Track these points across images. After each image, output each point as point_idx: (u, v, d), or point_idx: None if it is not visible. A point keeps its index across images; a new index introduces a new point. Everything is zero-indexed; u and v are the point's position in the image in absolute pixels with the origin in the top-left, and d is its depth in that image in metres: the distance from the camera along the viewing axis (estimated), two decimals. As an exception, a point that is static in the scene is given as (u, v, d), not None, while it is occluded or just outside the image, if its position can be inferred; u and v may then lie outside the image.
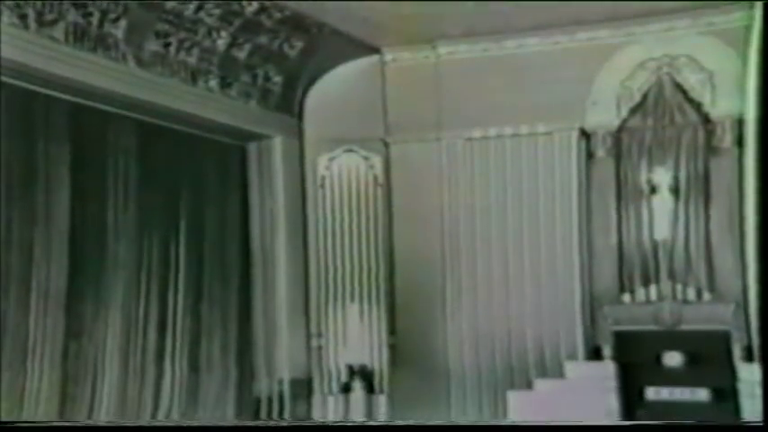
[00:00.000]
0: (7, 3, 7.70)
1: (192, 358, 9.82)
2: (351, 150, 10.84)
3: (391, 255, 10.66)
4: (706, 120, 9.74)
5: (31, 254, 8.32)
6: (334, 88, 10.86)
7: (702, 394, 9.32)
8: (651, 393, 9.48)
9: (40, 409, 8.24)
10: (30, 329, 8.27)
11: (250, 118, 10.37)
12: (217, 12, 9.43)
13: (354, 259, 10.74)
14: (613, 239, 9.99)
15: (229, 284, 10.37)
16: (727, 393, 9.21)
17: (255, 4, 9.52)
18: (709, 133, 9.72)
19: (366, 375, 10.49)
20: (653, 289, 9.78)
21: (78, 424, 8.02)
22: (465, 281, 10.36)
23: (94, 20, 8.43)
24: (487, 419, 10.02)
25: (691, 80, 9.75)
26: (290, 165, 10.79)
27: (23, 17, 7.85)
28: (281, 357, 10.53)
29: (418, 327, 10.44)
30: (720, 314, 9.48)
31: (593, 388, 9.42)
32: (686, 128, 9.82)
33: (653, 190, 9.83)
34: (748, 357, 9.13)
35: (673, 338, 9.63)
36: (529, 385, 9.84)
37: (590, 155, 10.14)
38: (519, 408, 9.59)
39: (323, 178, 10.85)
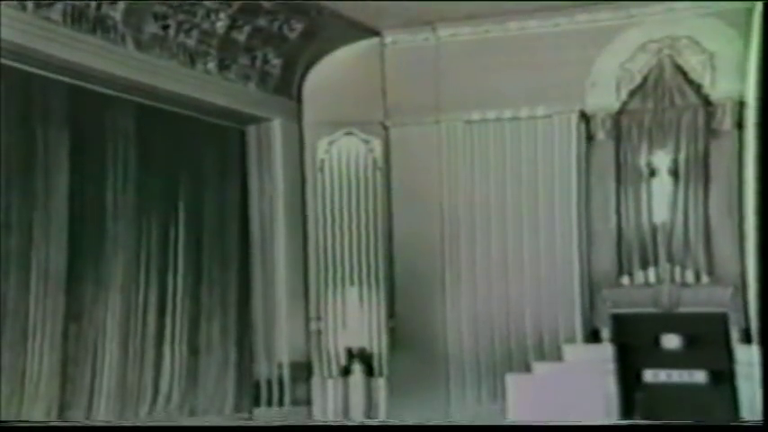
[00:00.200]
0: (4, -16, 7.67)
1: (191, 341, 9.85)
2: (350, 133, 10.82)
3: (390, 238, 10.67)
4: (706, 102, 9.71)
5: (30, 236, 8.35)
6: (333, 71, 10.83)
7: (700, 376, 9.34)
8: (649, 376, 9.51)
9: (41, 389, 8.28)
10: (30, 311, 8.30)
11: (249, 101, 10.35)
12: (216, -7, 9.41)
13: (354, 242, 10.74)
14: (612, 222, 9.98)
15: (229, 267, 10.39)
16: (724, 375, 9.23)
17: (254, -14, 9.50)
18: (709, 115, 9.69)
19: (365, 358, 10.52)
20: (651, 272, 9.79)
21: (78, 424, 8.05)
22: (464, 263, 10.37)
23: (92, 1, 8.40)
24: (486, 402, 10.05)
25: (691, 62, 9.72)
26: (289, 148, 10.78)
27: (21, -2, 7.83)
28: (281, 341, 10.55)
29: (417, 310, 10.46)
30: (718, 297, 9.49)
31: (591, 371, 9.44)
32: (686, 110, 9.79)
33: (652, 173, 9.82)
34: (746, 339, 9.14)
35: (671, 321, 9.64)
36: (527, 368, 9.86)
37: (589, 138, 10.12)
38: (517, 391, 9.62)
39: (322, 161, 10.84)
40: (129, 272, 9.22)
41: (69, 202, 8.65)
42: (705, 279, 9.64)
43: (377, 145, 10.78)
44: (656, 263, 9.77)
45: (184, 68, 9.49)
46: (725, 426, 7.57)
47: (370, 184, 10.77)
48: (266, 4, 9.86)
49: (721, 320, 9.43)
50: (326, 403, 10.44)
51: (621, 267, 9.92)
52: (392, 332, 10.57)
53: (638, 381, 9.50)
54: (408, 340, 10.44)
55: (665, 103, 9.86)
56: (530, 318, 10.08)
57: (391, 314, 10.62)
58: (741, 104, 9.42)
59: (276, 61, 10.55)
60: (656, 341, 9.64)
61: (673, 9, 9.75)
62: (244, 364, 10.41)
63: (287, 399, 10.45)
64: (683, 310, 9.65)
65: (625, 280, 9.93)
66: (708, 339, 9.45)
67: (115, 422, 8.38)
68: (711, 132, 9.69)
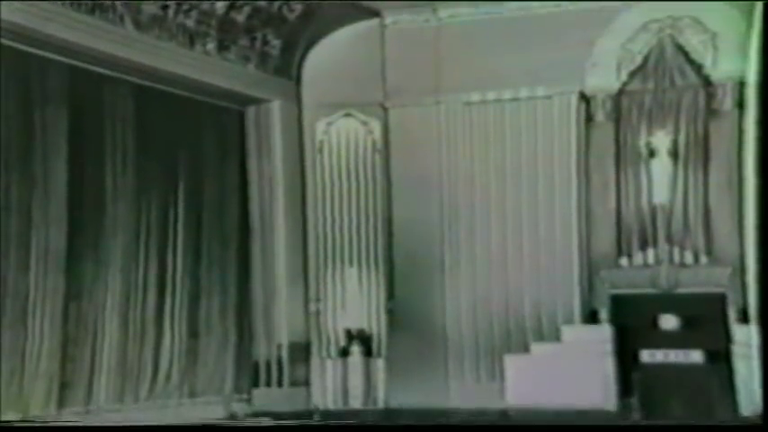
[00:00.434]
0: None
1: (191, 321, 9.89)
2: (349, 115, 10.80)
3: (390, 220, 10.67)
4: (707, 82, 9.67)
5: (29, 216, 8.37)
6: (333, 52, 10.79)
7: (696, 356, 9.36)
8: (646, 356, 9.52)
9: (41, 368, 8.32)
10: (30, 291, 8.34)
11: (248, 82, 10.34)
12: (215, -27, 9.38)
13: (353, 224, 10.73)
14: (612, 203, 9.97)
15: (228, 248, 10.41)
16: (720, 355, 9.24)
17: (254, -33, 9.46)
18: (710, 96, 9.66)
19: (364, 339, 10.54)
20: (650, 252, 9.78)
21: (78, 424, 8.09)
22: (463, 245, 10.37)
23: (90, -19, 8.40)
24: (485, 382, 10.07)
25: (693, 41, 9.67)
26: (288, 129, 10.76)
27: (19, -23, 7.80)
28: (280, 321, 10.58)
29: (416, 291, 10.47)
30: (717, 277, 9.49)
31: (589, 351, 9.46)
32: (686, 90, 9.76)
33: (652, 153, 9.80)
34: (744, 319, 9.14)
35: (669, 301, 9.65)
36: (526, 349, 9.89)
37: (589, 119, 10.10)
38: (515, 371, 9.65)
39: (321, 143, 10.82)
40: (129, 251, 9.24)
41: (68, 183, 8.66)
42: (704, 259, 9.64)
43: (376, 126, 10.76)
44: (655, 244, 9.77)
45: (183, 49, 9.47)
46: (725, 426, 7.60)
47: (369, 166, 10.76)
48: (265, -16, 9.83)
49: (719, 301, 9.43)
50: (325, 384, 10.47)
51: (620, 248, 9.92)
52: (391, 313, 10.59)
53: (635, 361, 9.52)
54: (407, 321, 10.45)
55: (666, 83, 9.83)
56: (528, 299, 10.09)
57: (390, 295, 10.63)
58: (742, 84, 9.38)
59: (276, 42, 10.52)
60: (654, 322, 9.65)
61: (675, -12, 9.70)
62: (243, 345, 10.45)
63: (286, 379, 10.48)
64: (681, 290, 9.65)
65: (624, 261, 9.93)
66: (706, 319, 9.46)
67: (115, 422, 8.39)
68: (712, 113, 9.66)
